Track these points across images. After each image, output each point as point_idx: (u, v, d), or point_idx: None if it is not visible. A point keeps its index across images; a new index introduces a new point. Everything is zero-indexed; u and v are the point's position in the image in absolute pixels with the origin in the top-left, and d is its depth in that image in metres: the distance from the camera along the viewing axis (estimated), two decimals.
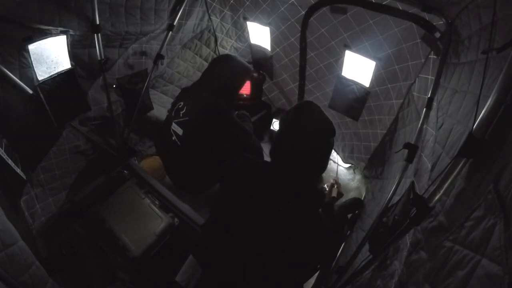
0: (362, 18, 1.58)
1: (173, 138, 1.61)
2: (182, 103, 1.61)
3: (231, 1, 2.27)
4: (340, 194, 1.59)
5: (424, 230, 0.87)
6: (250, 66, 1.76)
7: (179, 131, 1.58)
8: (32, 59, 1.42)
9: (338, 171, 2.46)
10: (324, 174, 2.47)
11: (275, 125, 2.64)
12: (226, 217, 1.08)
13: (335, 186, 1.58)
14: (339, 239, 1.74)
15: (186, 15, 2.21)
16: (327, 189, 1.61)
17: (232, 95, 1.65)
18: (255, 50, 2.47)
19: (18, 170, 1.47)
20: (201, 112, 1.52)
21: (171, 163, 1.79)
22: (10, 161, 1.40)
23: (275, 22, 2.08)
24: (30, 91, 1.49)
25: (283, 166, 1.00)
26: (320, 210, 1.25)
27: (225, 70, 1.61)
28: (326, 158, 1.07)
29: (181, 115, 1.58)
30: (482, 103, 0.67)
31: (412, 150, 1.20)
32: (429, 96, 1.23)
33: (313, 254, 1.02)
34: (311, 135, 0.99)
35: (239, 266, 1.02)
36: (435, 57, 1.35)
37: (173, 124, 1.61)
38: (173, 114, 1.63)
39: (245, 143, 1.62)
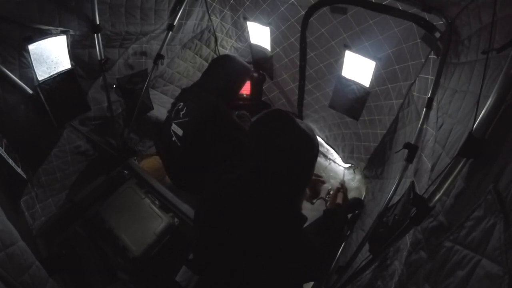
0: (362, 18, 1.58)
1: (173, 139, 1.61)
2: (182, 103, 1.60)
3: (231, 1, 2.27)
4: (345, 200, 1.43)
5: (424, 230, 0.87)
6: (250, 66, 1.76)
7: (179, 131, 1.58)
8: (32, 59, 1.42)
9: (338, 171, 2.46)
10: (327, 176, 2.47)
11: None
12: (205, 233, 0.99)
13: (341, 191, 1.42)
14: (332, 249, 1.58)
15: (186, 15, 2.21)
16: (330, 193, 1.45)
17: (232, 95, 1.65)
18: (255, 50, 2.47)
19: (19, 170, 1.47)
20: (201, 112, 1.52)
21: (171, 164, 1.79)
22: (10, 161, 1.40)
23: (275, 22, 2.08)
24: (30, 91, 1.49)
25: (257, 182, 0.87)
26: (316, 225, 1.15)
27: (225, 71, 1.62)
28: (306, 177, 0.94)
29: (181, 115, 1.58)
30: (482, 103, 0.67)
31: (412, 150, 1.19)
32: (429, 96, 1.23)
33: (299, 273, 0.92)
34: (287, 154, 0.85)
35: (229, 279, 0.93)
36: (435, 57, 1.35)
37: (173, 124, 1.61)
38: (173, 114, 1.63)
39: (245, 143, 1.62)
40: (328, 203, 1.42)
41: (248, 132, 0.95)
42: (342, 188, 1.41)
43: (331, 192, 1.42)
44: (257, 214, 0.85)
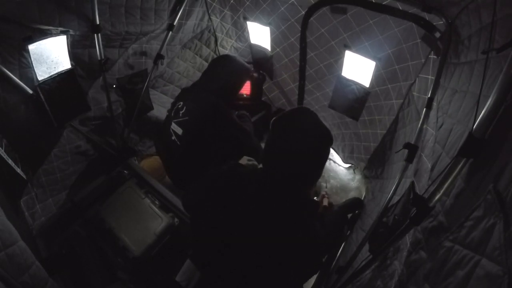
0: (362, 18, 1.58)
1: (173, 138, 1.61)
2: (181, 103, 1.61)
3: (231, 1, 2.27)
4: (330, 205, 1.51)
5: (424, 230, 0.87)
6: (250, 66, 1.76)
7: (179, 131, 1.58)
8: (32, 59, 1.42)
9: (338, 171, 2.46)
10: (327, 176, 2.48)
11: None
12: (212, 229, 0.99)
13: (326, 196, 1.53)
14: (335, 243, 1.68)
15: (186, 15, 2.21)
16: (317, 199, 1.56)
17: (232, 95, 1.66)
18: (255, 50, 2.47)
19: (18, 170, 1.47)
20: (201, 112, 1.52)
21: (170, 163, 1.79)
22: (10, 161, 1.40)
23: (275, 22, 2.08)
24: (30, 91, 1.49)
25: (277, 172, 0.92)
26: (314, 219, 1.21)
27: (224, 71, 1.62)
28: (322, 166, 1.01)
29: (180, 115, 1.58)
30: (482, 103, 0.67)
31: (412, 150, 1.19)
32: (429, 96, 1.23)
33: (308, 262, 0.96)
34: (309, 142, 0.92)
35: (235, 274, 0.96)
36: (435, 57, 1.35)
37: (173, 124, 1.61)
38: (172, 114, 1.64)
39: (245, 143, 1.62)
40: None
41: (270, 128, 1.00)
42: (326, 194, 1.51)
43: (318, 198, 1.55)
44: (273, 208, 0.90)
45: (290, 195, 0.92)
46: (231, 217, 0.93)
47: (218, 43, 2.70)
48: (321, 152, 0.96)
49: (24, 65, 1.43)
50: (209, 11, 2.43)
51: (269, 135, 0.99)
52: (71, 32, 1.54)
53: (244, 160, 1.36)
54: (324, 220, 1.22)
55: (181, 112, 1.58)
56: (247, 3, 2.15)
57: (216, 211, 0.96)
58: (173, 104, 1.68)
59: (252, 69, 2.43)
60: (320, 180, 2.43)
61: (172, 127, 1.62)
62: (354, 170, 2.44)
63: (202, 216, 1.02)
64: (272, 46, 2.29)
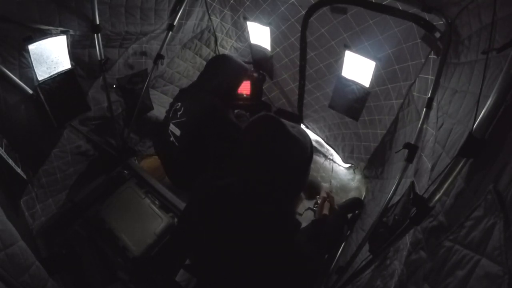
0: (362, 18, 1.58)
1: (171, 139, 1.61)
2: (179, 103, 1.60)
3: (231, 1, 2.27)
4: (332, 210, 1.30)
5: (424, 230, 0.87)
6: (250, 66, 1.76)
7: (177, 131, 1.58)
8: (32, 59, 1.42)
9: (338, 171, 2.46)
10: (327, 176, 2.48)
11: None
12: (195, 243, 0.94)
13: (327, 200, 1.30)
14: (324, 263, 1.54)
15: (186, 15, 2.21)
16: (319, 201, 1.33)
17: (229, 94, 1.65)
18: (255, 50, 2.47)
19: (19, 170, 1.47)
20: (199, 112, 1.52)
21: (169, 164, 1.79)
22: (10, 161, 1.40)
23: (275, 22, 2.08)
24: (30, 91, 1.49)
25: (249, 189, 0.83)
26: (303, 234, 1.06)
27: (221, 70, 1.61)
28: (299, 182, 0.90)
29: (178, 115, 1.58)
30: (482, 103, 0.67)
31: (412, 150, 1.19)
32: (429, 96, 1.23)
33: (291, 280, 0.86)
34: (279, 161, 0.82)
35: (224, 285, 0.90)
36: (435, 57, 1.35)
37: (171, 125, 1.61)
38: (170, 115, 1.63)
39: None
40: (316, 213, 1.33)
41: (244, 136, 0.92)
42: (328, 197, 1.30)
43: (319, 201, 1.32)
44: (250, 221, 0.82)
45: (267, 210, 0.83)
46: (214, 233, 0.87)
47: (218, 43, 2.70)
48: (293, 163, 0.85)
49: (24, 65, 1.43)
50: (209, 11, 2.43)
51: (240, 146, 0.90)
52: (71, 32, 1.54)
53: None
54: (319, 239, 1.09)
55: (179, 113, 1.58)
56: (247, 3, 2.15)
57: (199, 229, 0.91)
58: (171, 105, 1.68)
59: (251, 68, 2.42)
60: (320, 180, 2.44)
61: (170, 128, 1.62)
62: (354, 170, 2.44)
63: (190, 234, 0.97)
64: (272, 46, 2.29)
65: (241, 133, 1.03)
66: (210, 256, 0.89)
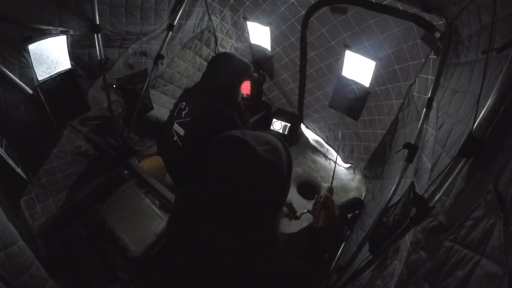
0: (362, 18, 1.59)
1: (175, 138, 1.61)
2: (184, 103, 1.60)
3: (231, 1, 2.27)
4: (329, 219, 1.09)
5: (424, 230, 0.87)
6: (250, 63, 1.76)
7: (181, 131, 1.58)
8: (32, 59, 1.42)
9: (338, 171, 2.46)
10: (327, 176, 2.47)
11: (275, 125, 2.64)
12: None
13: (326, 205, 1.12)
14: (317, 274, 1.44)
15: (186, 15, 2.21)
16: (320, 200, 1.17)
17: (233, 92, 1.64)
18: (255, 50, 2.48)
19: (19, 170, 1.47)
20: (203, 112, 1.52)
21: (172, 163, 1.79)
22: (10, 161, 1.40)
23: (275, 22, 2.08)
24: (30, 91, 1.49)
25: (222, 207, 0.76)
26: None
27: (224, 68, 1.61)
28: (274, 201, 0.83)
29: (183, 115, 1.58)
30: (482, 103, 0.67)
31: (412, 150, 1.19)
32: (429, 96, 1.23)
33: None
34: (246, 183, 0.76)
35: None
36: (435, 57, 1.35)
37: (175, 124, 1.61)
38: (175, 114, 1.64)
39: None
40: (314, 220, 1.18)
41: (206, 156, 0.88)
42: (328, 202, 1.15)
43: (320, 200, 1.17)
44: (226, 237, 0.77)
45: (243, 231, 0.77)
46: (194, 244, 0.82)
47: (218, 43, 2.70)
48: (263, 184, 0.79)
49: (24, 65, 1.43)
50: (209, 11, 2.43)
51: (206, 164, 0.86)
52: (71, 32, 1.54)
53: None
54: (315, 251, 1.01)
55: (183, 112, 1.58)
56: (247, 3, 2.15)
57: (181, 241, 0.87)
58: (176, 105, 1.68)
59: (252, 68, 2.42)
60: (320, 180, 2.44)
61: (174, 127, 1.62)
62: (354, 170, 2.44)
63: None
64: (272, 46, 2.29)
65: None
66: (190, 272, 0.84)
